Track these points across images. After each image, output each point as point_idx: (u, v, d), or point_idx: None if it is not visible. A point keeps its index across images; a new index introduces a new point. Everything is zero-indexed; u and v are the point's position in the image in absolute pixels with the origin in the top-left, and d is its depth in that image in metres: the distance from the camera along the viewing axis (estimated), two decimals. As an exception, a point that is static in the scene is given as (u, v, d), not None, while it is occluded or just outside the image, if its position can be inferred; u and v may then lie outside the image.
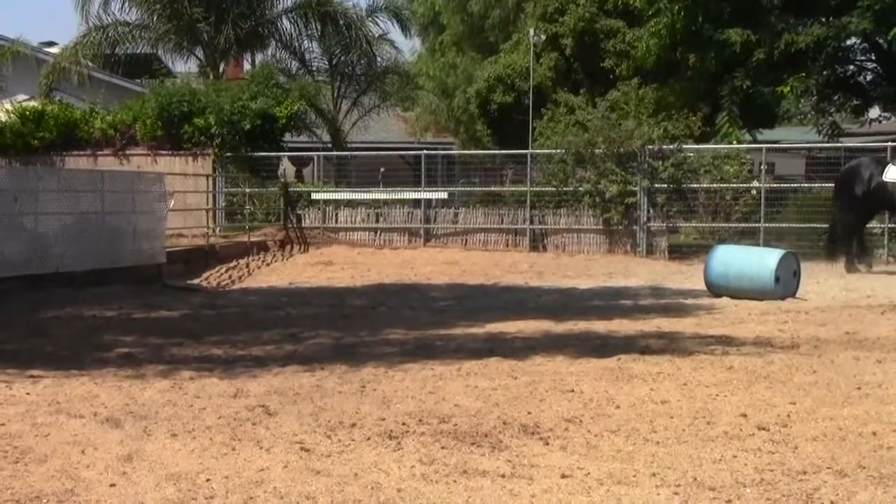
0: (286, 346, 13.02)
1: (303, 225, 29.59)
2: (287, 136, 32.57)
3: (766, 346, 12.66)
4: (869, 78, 32.96)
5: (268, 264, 26.55)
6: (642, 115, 29.92)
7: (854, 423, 8.36)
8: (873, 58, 32.46)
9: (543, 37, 37.94)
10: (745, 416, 8.63)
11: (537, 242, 28.24)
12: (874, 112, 35.87)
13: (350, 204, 29.70)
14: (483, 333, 14.09)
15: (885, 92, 32.69)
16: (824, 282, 20.50)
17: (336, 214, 29.76)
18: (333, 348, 12.84)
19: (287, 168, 34.19)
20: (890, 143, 26.12)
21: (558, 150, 28.34)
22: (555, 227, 28.16)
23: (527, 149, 31.59)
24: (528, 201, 28.27)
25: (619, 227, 27.41)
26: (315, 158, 33.33)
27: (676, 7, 30.26)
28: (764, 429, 8.20)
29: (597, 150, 27.35)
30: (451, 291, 20.53)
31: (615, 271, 24.23)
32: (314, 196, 29.84)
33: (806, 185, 28.33)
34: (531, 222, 28.24)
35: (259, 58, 37.38)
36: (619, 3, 34.86)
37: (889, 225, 25.20)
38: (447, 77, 44.12)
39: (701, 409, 8.93)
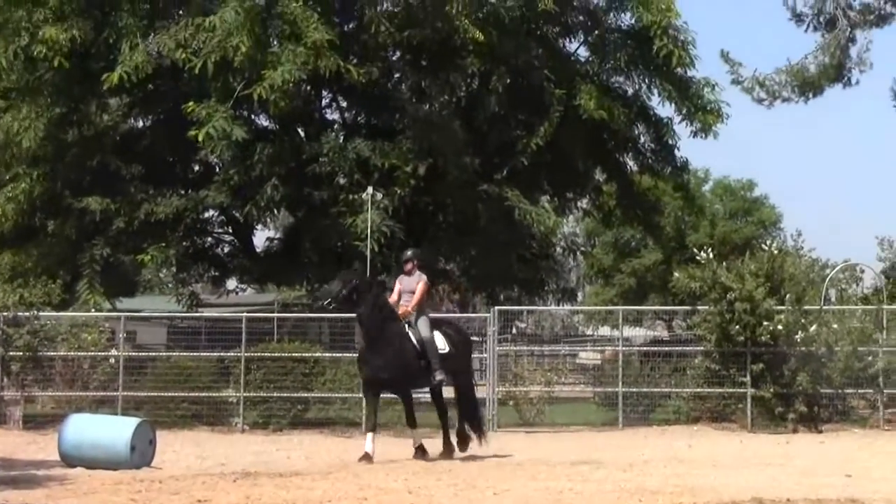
0: None
1: None
2: None
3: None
4: (227, 250, 34.45)
5: None
6: (-3, 282, 28.85)
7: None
8: (230, 230, 34.06)
9: None
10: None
11: None
12: (231, 283, 37.54)
13: None
14: None
15: (241, 264, 34.40)
16: (180, 450, 20.67)
17: None
18: None
19: None
20: (245, 315, 27.28)
21: None
22: None
23: None
24: None
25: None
26: None
27: (35, 173, 29.93)
28: None
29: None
30: None
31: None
32: None
33: (165, 353, 28.64)
34: None
35: None
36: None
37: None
38: None
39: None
